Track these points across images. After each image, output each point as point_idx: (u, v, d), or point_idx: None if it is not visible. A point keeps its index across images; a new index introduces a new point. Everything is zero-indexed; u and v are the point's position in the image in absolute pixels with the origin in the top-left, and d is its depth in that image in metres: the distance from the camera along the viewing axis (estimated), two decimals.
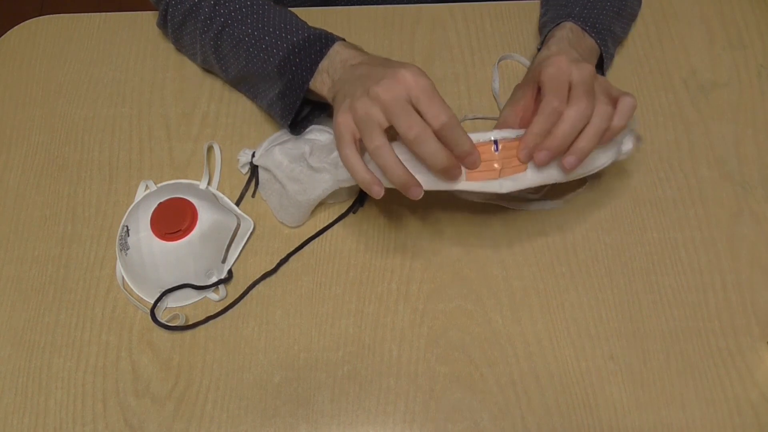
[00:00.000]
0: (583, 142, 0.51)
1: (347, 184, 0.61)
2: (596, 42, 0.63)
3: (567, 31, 0.62)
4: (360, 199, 0.64)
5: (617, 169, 0.66)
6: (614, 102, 0.53)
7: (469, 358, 0.57)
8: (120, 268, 0.61)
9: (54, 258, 0.62)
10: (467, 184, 0.52)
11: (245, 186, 0.65)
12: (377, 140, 0.49)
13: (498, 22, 0.74)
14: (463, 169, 0.52)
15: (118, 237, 0.62)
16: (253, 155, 0.64)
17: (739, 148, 0.67)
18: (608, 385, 0.56)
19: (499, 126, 0.58)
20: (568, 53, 0.59)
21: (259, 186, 0.64)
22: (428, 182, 0.52)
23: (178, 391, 0.56)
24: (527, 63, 0.71)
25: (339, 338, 0.58)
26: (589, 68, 0.53)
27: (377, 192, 0.51)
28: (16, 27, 0.75)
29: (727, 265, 0.61)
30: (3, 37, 0.74)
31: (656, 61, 0.72)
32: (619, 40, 0.68)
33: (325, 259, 0.62)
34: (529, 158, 0.52)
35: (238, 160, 0.65)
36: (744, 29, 0.74)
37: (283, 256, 0.61)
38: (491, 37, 0.73)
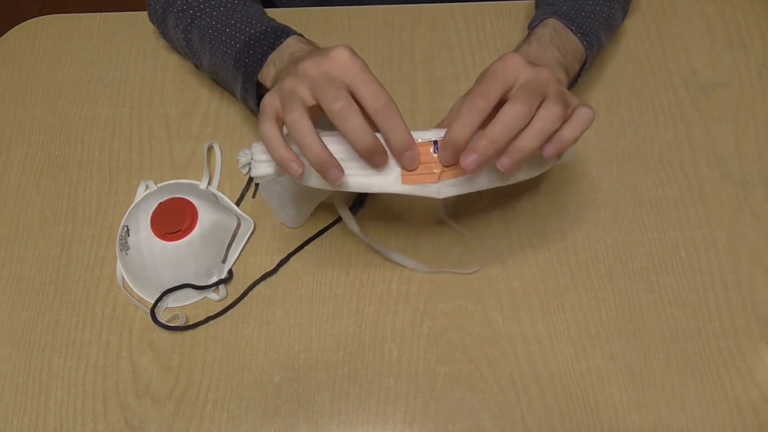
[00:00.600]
0: (520, 142, 0.46)
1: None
2: (582, 44, 0.60)
3: (550, 29, 0.59)
4: (360, 199, 0.64)
5: (617, 169, 0.65)
6: (570, 111, 0.48)
7: (470, 358, 0.57)
8: (120, 268, 0.61)
9: (54, 258, 0.62)
10: (402, 187, 0.48)
11: (245, 186, 0.65)
12: (295, 113, 0.46)
13: (498, 22, 0.74)
14: (398, 172, 0.48)
15: (118, 237, 0.62)
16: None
17: (740, 147, 0.67)
18: (608, 385, 0.56)
19: (443, 125, 0.53)
20: (544, 55, 0.56)
21: (260, 186, 0.64)
22: (358, 182, 0.48)
23: (179, 391, 0.56)
24: None
25: (339, 338, 0.58)
26: (547, 73, 0.48)
27: (295, 170, 0.46)
28: (16, 27, 0.75)
29: (728, 264, 0.61)
30: (3, 37, 0.74)
31: (656, 60, 0.72)
32: (602, 49, 0.65)
33: (325, 260, 0.62)
34: (449, 161, 0.48)
35: (238, 160, 0.65)
36: (744, 29, 0.74)
37: (283, 257, 0.61)
38: (491, 37, 0.73)
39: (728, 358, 0.57)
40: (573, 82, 0.62)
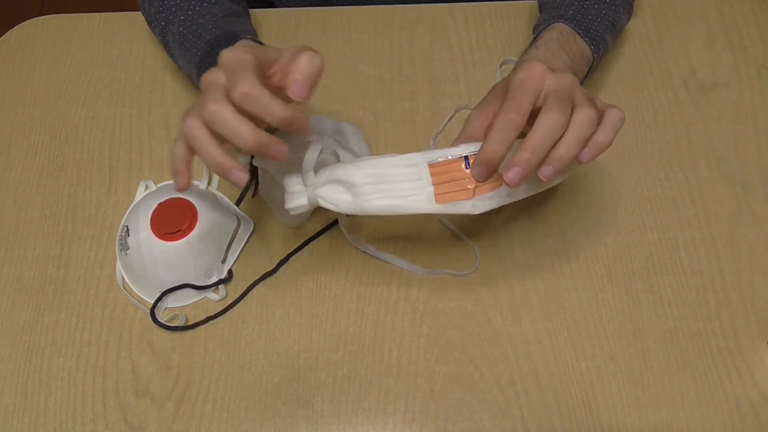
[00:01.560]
0: (560, 151, 0.46)
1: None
2: (590, 48, 0.60)
3: (557, 33, 0.60)
4: None
5: (617, 169, 0.66)
6: (600, 113, 0.48)
7: (469, 358, 0.57)
8: (120, 268, 0.61)
9: (54, 258, 0.62)
10: (436, 207, 0.48)
11: (245, 186, 0.64)
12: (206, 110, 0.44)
13: (498, 22, 0.74)
14: (430, 191, 0.48)
15: (118, 237, 0.62)
16: (252, 156, 0.64)
17: (739, 148, 0.67)
18: (608, 385, 0.56)
19: (463, 137, 0.53)
20: (553, 59, 0.56)
21: (259, 187, 0.64)
22: (387, 204, 0.48)
23: (178, 391, 0.56)
24: None
25: (339, 338, 0.58)
26: (569, 77, 0.48)
27: (239, 177, 0.45)
28: (16, 27, 0.75)
29: (727, 265, 0.61)
30: (3, 37, 0.74)
31: (656, 61, 0.72)
32: (606, 51, 0.66)
33: (325, 260, 0.62)
34: (484, 178, 0.48)
35: (238, 160, 0.65)
36: (744, 29, 0.74)
37: (283, 257, 0.61)
38: (491, 37, 0.73)
39: (728, 358, 0.57)
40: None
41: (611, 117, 0.48)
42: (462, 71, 0.71)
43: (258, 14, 0.74)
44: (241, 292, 0.60)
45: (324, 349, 0.58)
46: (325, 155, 0.59)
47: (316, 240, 0.62)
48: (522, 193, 0.51)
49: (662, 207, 0.64)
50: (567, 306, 0.60)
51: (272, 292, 0.60)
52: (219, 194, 0.64)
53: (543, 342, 0.58)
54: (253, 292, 0.60)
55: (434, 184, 0.48)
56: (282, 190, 0.61)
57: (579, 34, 0.60)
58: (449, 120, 0.68)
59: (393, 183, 0.48)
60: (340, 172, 0.49)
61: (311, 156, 0.52)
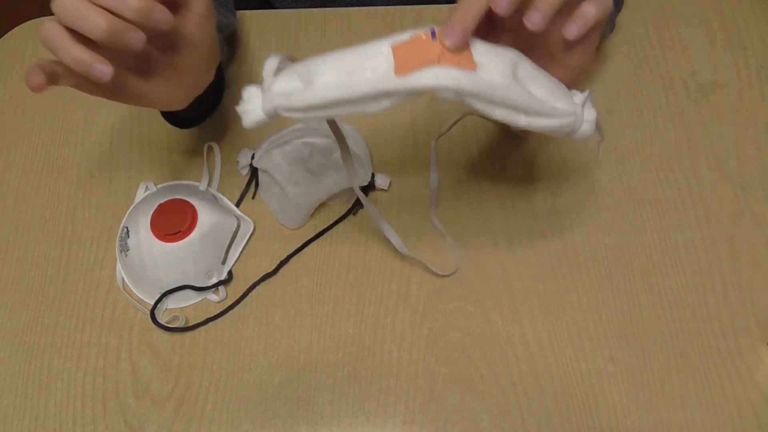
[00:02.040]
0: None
1: (348, 185, 0.61)
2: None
3: None
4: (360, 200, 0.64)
5: (617, 170, 0.66)
6: None
7: (469, 359, 0.57)
8: (120, 270, 0.61)
9: (54, 259, 0.62)
10: (396, 80, 0.41)
11: (245, 187, 0.65)
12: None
13: None
14: (392, 65, 0.41)
15: (118, 238, 0.62)
16: (252, 156, 0.64)
17: (740, 148, 0.67)
18: (608, 386, 0.56)
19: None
20: None
21: (259, 188, 0.64)
22: (348, 84, 0.41)
23: (178, 393, 0.56)
24: None
25: (339, 339, 0.58)
26: None
27: (102, 71, 0.42)
28: (16, 27, 0.75)
29: (727, 266, 0.61)
30: (3, 37, 0.74)
31: (656, 61, 0.72)
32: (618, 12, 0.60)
33: (325, 261, 0.62)
34: (456, 38, 0.41)
35: (238, 161, 0.65)
36: (744, 30, 0.74)
37: (283, 258, 0.61)
38: None
39: (728, 358, 0.57)
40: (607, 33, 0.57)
41: None
42: None
43: (258, 15, 0.74)
44: (241, 293, 0.60)
45: (324, 351, 0.58)
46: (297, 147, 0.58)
47: (316, 241, 0.62)
48: (489, 91, 0.42)
49: (662, 208, 0.64)
50: (567, 307, 0.60)
51: (272, 293, 0.61)
52: (219, 195, 0.64)
53: (543, 343, 0.58)
54: (253, 293, 0.60)
55: (396, 58, 0.41)
56: (281, 192, 0.61)
57: None
58: (453, 124, 0.68)
59: (352, 63, 0.42)
60: (299, 65, 0.43)
61: (270, 64, 0.45)
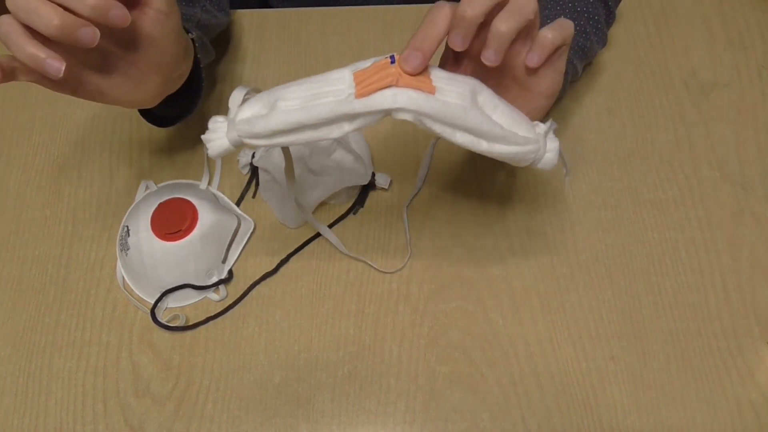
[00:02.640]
0: (499, 21, 0.42)
1: (348, 184, 0.61)
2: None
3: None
4: (360, 200, 0.64)
5: (618, 170, 0.65)
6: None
7: (470, 358, 0.57)
8: (120, 269, 0.61)
9: (54, 258, 0.62)
10: (355, 103, 0.41)
11: (245, 186, 0.65)
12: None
13: None
14: (353, 92, 0.42)
15: (118, 237, 0.62)
16: (253, 156, 0.64)
17: (740, 148, 0.67)
18: (609, 385, 0.56)
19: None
20: None
21: (260, 187, 0.64)
22: (311, 109, 0.41)
23: (179, 392, 0.56)
24: None
25: (339, 338, 0.58)
26: None
27: (56, 68, 0.41)
28: None
29: (728, 265, 0.61)
30: None
31: (657, 61, 0.72)
32: (576, 77, 0.62)
33: (325, 260, 0.62)
34: (413, 64, 0.42)
35: (238, 160, 0.65)
36: (744, 29, 0.74)
37: (283, 257, 0.61)
38: None
39: (728, 358, 0.57)
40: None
41: (560, 21, 0.45)
42: None
43: (258, 14, 0.75)
44: (242, 292, 0.60)
45: (324, 350, 0.58)
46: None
47: (316, 240, 0.62)
48: (448, 115, 0.42)
49: (663, 207, 0.64)
50: (567, 306, 0.60)
51: (273, 292, 0.61)
52: (219, 194, 0.64)
53: (543, 342, 0.58)
54: (254, 292, 0.60)
55: (357, 83, 0.42)
56: (282, 191, 0.61)
57: None
58: None
59: (314, 89, 0.43)
60: (264, 93, 0.44)
61: (237, 96, 0.46)
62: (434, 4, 0.44)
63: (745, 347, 0.58)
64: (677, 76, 0.71)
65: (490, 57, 0.44)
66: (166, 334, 0.59)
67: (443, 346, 0.58)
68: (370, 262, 0.61)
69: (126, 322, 0.59)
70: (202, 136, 0.46)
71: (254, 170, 0.64)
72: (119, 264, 0.61)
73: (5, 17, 0.42)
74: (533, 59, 0.45)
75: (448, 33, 0.43)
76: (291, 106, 0.42)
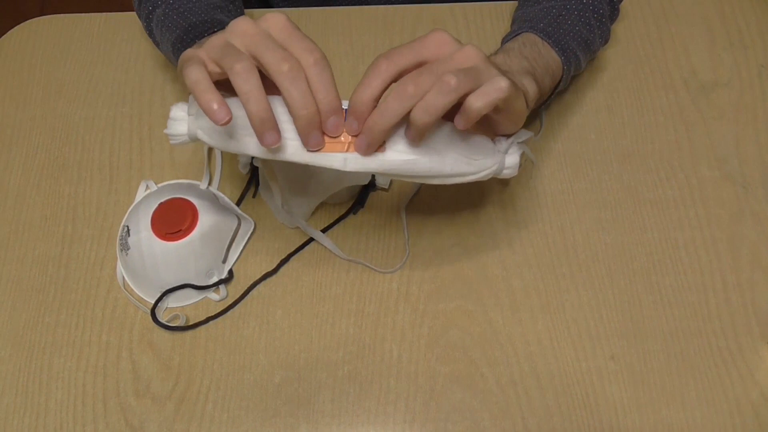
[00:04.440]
0: (415, 113, 0.42)
1: (349, 184, 0.61)
2: (560, 59, 0.57)
3: (520, 43, 0.57)
4: (360, 200, 0.64)
5: (617, 169, 0.66)
6: (480, 83, 0.43)
7: (470, 358, 0.57)
8: (120, 268, 0.61)
9: (54, 258, 0.62)
10: (306, 155, 0.45)
11: (246, 186, 0.65)
12: (245, 62, 0.42)
13: (498, 22, 0.74)
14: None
15: (118, 237, 0.62)
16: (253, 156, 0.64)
17: (740, 148, 0.67)
18: (609, 385, 0.56)
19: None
20: (510, 63, 0.53)
21: (260, 187, 0.64)
22: (262, 149, 0.45)
23: (179, 392, 0.56)
24: None
25: (339, 338, 0.58)
26: (468, 51, 0.44)
27: (222, 115, 0.41)
28: (16, 27, 0.75)
29: (728, 265, 0.61)
30: (3, 37, 0.74)
31: (657, 61, 0.72)
32: (579, 70, 0.63)
33: (325, 259, 0.62)
34: (354, 130, 0.44)
35: (239, 160, 0.65)
36: (745, 29, 0.74)
37: (283, 257, 0.61)
38: (491, 37, 0.73)
39: (728, 358, 0.57)
40: (545, 101, 0.61)
41: (490, 84, 0.43)
42: None
43: (257, 14, 0.74)
44: (242, 292, 0.60)
45: (324, 349, 0.58)
46: None
47: (316, 240, 0.62)
48: (397, 167, 0.46)
49: (663, 207, 0.64)
50: (567, 306, 0.60)
51: (273, 292, 0.61)
52: (219, 194, 0.64)
53: (543, 342, 0.58)
54: (254, 292, 0.60)
55: None
56: (281, 191, 0.61)
57: (549, 44, 0.57)
58: None
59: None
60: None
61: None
62: (373, 61, 0.44)
63: (745, 346, 0.58)
64: (677, 75, 0.71)
65: (459, 124, 0.44)
66: (167, 334, 0.59)
67: (443, 345, 0.58)
68: (367, 264, 0.61)
69: (126, 322, 0.59)
70: (165, 131, 0.48)
71: (254, 170, 0.64)
72: (119, 264, 0.61)
73: (200, 69, 0.43)
74: (459, 124, 0.44)
75: (384, 89, 0.44)
76: (248, 135, 0.44)
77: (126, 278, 0.61)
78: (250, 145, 0.45)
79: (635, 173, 0.65)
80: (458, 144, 0.47)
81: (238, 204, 0.64)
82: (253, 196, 0.64)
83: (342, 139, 0.45)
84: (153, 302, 0.59)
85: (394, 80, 0.44)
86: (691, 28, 0.74)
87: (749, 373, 0.57)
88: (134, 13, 0.74)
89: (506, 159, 0.49)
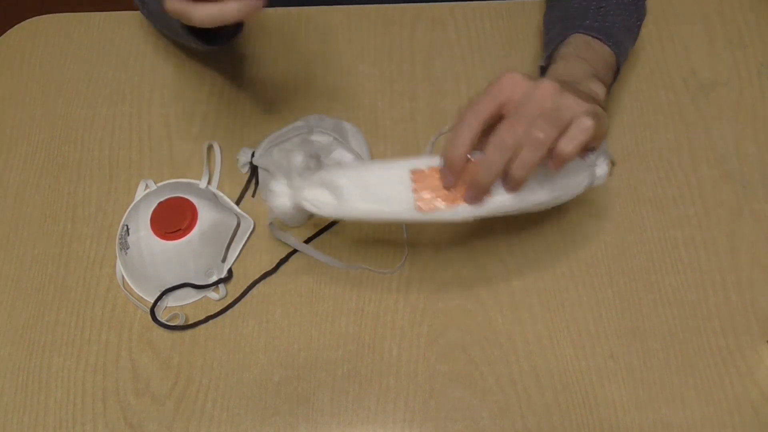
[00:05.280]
0: (512, 170, 0.45)
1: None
2: (613, 52, 0.58)
3: (573, 46, 0.57)
4: None
5: (617, 168, 0.65)
6: (565, 124, 0.45)
7: (469, 356, 0.57)
8: (120, 267, 0.61)
9: (54, 257, 0.62)
10: (417, 215, 0.47)
11: (245, 185, 0.65)
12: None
13: (498, 22, 0.74)
14: (413, 200, 0.47)
15: (118, 236, 0.62)
16: (252, 155, 0.64)
17: (740, 147, 0.67)
18: (608, 383, 0.56)
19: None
20: (574, 72, 0.54)
21: (259, 186, 0.64)
22: (376, 211, 0.48)
23: (178, 390, 0.56)
24: None
25: (339, 337, 0.58)
26: (542, 88, 0.46)
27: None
28: (16, 26, 0.75)
29: (727, 264, 0.61)
30: (3, 36, 0.74)
31: (656, 60, 0.72)
32: (627, 58, 0.63)
33: None
34: (451, 183, 0.48)
35: (238, 159, 0.65)
36: (744, 28, 0.74)
37: (283, 256, 0.61)
38: (491, 37, 0.73)
39: (728, 356, 0.57)
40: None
41: (575, 126, 0.45)
42: (462, 70, 0.71)
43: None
44: (241, 291, 0.60)
45: (324, 348, 0.58)
46: (309, 160, 0.60)
47: (316, 239, 0.62)
48: (507, 206, 0.49)
49: (662, 206, 0.64)
50: (567, 305, 0.60)
51: (272, 291, 0.61)
52: (219, 193, 0.64)
53: (543, 341, 0.58)
54: (253, 291, 0.60)
55: (415, 192, 0.48)
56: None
57: (601, 39, 0.58)
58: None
59: (376, 188, 0.48)
60: (325, 175, 0.49)
61: (297, 159, 0.55)
62: (459, 116, 0.47)
63: (745, 345, 0.58)
64: (677, 74, 0.71)
65: (553, 167, 0.46)
66: (166, 333, 0.59)
67: (443, 344, 0.58)
68: (367, 268, 0.61)
69: (125, 321, 0.59)
70: (266, 200, 0.51)
71: (254, 169, 0.64)
72: (119, 263, 0.61)
73: None
74: (553, 166, 0.46)
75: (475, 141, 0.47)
76: (360, 205, 0.48)
77: (125, 277, 0.61)
78: (361, 209, 0.48)
79: (635, 172, 0.65)
80: (554, 173, 0.49)
81: (237, 203, 0.64)
82: (253, 195, 0.64)
83: (449, 193, 0.48)
84: (152, 301, 0.59)
85: (482, 129, 0.46)
86: (691, 27, 0.74)
87: (749, 372, 0.57)
88: (134, 13, 0.75)
89: (596, 170, 0.51)
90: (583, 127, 0.45)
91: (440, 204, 0.47)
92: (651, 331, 0.58)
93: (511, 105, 0.46)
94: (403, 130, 0.68)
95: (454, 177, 0.47)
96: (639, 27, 0.66)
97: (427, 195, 0.47)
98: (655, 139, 0.67)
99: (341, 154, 0.61)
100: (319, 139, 0.62)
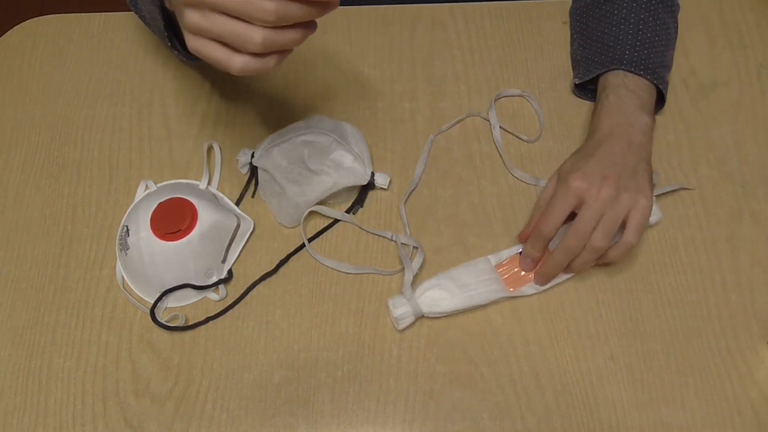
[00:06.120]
0: (573, 266, 0.58)
1: (347, 184, 0.61)
2: (652, 82, 0.63)
3: (621, 79, 0.63)
4: (360, 199, 0.64)
5: None
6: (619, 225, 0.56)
7: (469, 357, 0.57)
8: (120, 268, 0.61)
9: (54, 258, 0.62)
10: (510, 292, 0.59)
11: (245, 186, 0.65)
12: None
13: (498, 22, 0.74)
14: (503, 283, 0.59)
15: (118, 237, 0.62)
16: (252, 155, 0.64)
17: (740, 147, 0.67)
18: (608, 384, 0.56)
19: (523, 234, 0.61)
20: (626, 109, 0.61)
21: (259, 186, 0.64)
22: (482, 294, 0.58)
23: (178, 391, 0.56)
24: (519, 94, 0.69)
25: (339, 338, 0.58)
26: (604, 192, 0.55)
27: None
28: (16, 27, 0.75)
29: (727, 264, 0.61)
30: (3, 37, 0.74)
31: None
32: (670, 68, 0.67)
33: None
34: (529, 268, 0.60)
35: (238, 160, 0.65)
36: (744, 29, 0.74)
37: (283, 257, 0.61)
38: (491, 37, 0.73)
39: (728, 357, 0.57)
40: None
41: (621, 245, 0.56)
42: (462, 71, 0.71)
43: None
44: (241, 292, 0.60)
45: (324, 349, 0.58)
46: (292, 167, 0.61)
47: (316, 240, 0.62)
48: (577, 269, 0.59)
49: (662, 206, 0.64)
50: (567, 306, 0.60)
51: (272, 291, 0.61)
52: (219, 194, 0.64)
53: (543, 342, 0.58)
54: (253, 292, 0.60)
55: (502, 276, 0.60)
56: (281, 191, 0.61)
57: (641, 75, 0.63)
58: (455, 123, 0.68)
59: (475, 281, 0.59)
60: (435, 281, 0.58)
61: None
62: (536, 226, 0.59)
63: (745, 346, 0.58)
64: (677, 75, 0.71)
65: (597, 263, 0.59)
66: (166, 333, 0.59)
67: (442, 345, 0.58)
68: (373, 271, 0.61)
69: (125, 321, 0.59)
70: (394, 316, 0.58)
71: (254, 170, 0.64)
72: (119, 264, 0.61)
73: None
74: (598, 262, 0.59)
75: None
76: (465, 293, 0.58)
77: (125, 278, 0.61)
78: (466, 296, 0.59)
79: None
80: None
81: (237, 204, 0.64)
82: (252, 196, 0.64)
83: (529, 275, 0.61)
84: (152, 302, 0.59)
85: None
86: (691, 28, 0.74)
87: (749, 373, 0.57)
88: (134, 13, 0.74)
89: (651, 219, 0.60)
90: (629, 244, 0.56)
91: (523, 282, 0.60)
92: (651, 331, 0.58)
93: (578, 206, 0.56)
94: (403, 130, 0.68)
95: (534, 266, 0.60)
96: (676, 35, 0.68)
97: (512, 277, 0.60)
98: (656, 139, 0.67)
99: (341, 154, 0.61)
100: (318, 139, 0.62)
